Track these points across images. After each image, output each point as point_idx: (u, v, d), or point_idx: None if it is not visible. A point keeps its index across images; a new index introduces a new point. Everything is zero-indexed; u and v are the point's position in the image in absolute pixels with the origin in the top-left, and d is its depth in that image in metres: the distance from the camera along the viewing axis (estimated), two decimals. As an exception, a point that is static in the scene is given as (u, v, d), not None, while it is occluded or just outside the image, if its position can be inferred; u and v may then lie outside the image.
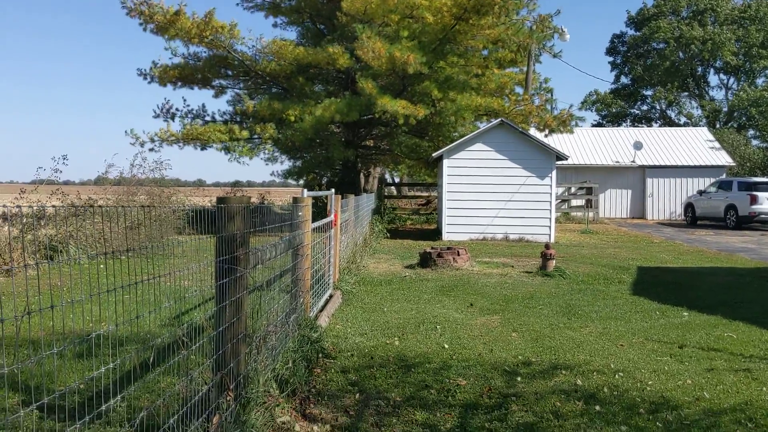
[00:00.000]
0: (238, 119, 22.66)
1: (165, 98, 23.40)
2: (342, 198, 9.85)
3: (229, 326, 3.69)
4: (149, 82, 22.46)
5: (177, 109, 23.85)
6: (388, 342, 6.35)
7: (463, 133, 20.79)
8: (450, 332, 6.82)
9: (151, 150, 19.67)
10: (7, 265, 9.67)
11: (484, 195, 17.58)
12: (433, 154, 19.07)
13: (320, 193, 10.82)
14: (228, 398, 3.64)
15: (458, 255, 11.85)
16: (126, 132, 22.17)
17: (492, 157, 17.64)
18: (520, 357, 5.89)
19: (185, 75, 21.69)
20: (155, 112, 23.89)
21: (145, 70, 22.57)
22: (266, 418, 3.99)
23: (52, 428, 3.61)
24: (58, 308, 1.98)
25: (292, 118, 18.93)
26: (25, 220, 10.74)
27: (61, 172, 13.38)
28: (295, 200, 6.30)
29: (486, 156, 17.68)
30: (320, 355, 5.66)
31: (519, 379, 5.22)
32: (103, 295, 2.52)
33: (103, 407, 2.33)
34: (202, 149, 21.48)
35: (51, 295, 3.14)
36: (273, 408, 4.16)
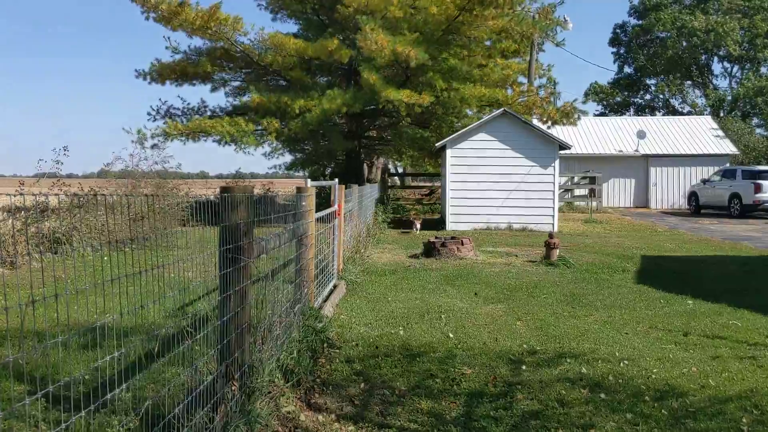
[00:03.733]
0: (240, 112, 22.58)
1: (161, 99, 23.06)
2: (345, 188, 9.83)
3: (233, 316, 3.68)
4: (149, 83, 22.34)
5: (176, 108, 23.69)
6: (392, 331, 6.35)
7: (466, 123, 20.74)
8: (455, 321, 6.82)
9: (153, 146, 19.57)
10: (12, 258, 9.69)
11: (488, 185, 17.55)
12: (437, 144, 19.03)
13: (324, 183, 10.81)
14: (233, 388, 3.64)
15: (462, 244, 11.84)
16: (125, 129, 21.87)
17: (495, 146, 17.60)
18: (524, 346, 5.88)
19: (185, 71, 21.61)
20: (150, 115, 23.65)
21: (143, 70, 22.44)
22: (271, 407, 3.99)
23: (58, 418, 3.61)
24: (63, 297, 1.98)
25: (297, 110, 18.89)
26: (24, 213, 10.75)
27: (62, 164, 13.34)
28: (299, 190, 6.29)
29: (489, 146, 17.64)
30: (325, 344, 5.66)
31: (524, 367, 5.22)
32: (108, 287, 2.51)
33: (108, 396, 2.32)
34: (204, 140, 21.40)
35: (55, 285, 3.13)
36: (278, 398, 4.17)
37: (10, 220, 10.46)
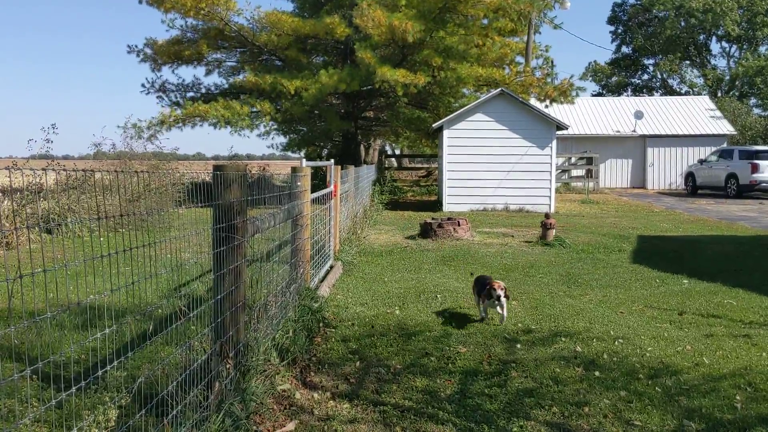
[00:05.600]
0: (234, 92, 22.46)
1: (156, 73, 22.98)
2: (342, 169, 9.80)
3: (227, 294, 3.67)
4: (141, 60, 22.21)
5: (170, 83, 23.61)
6: (388, 311, 6.36)
7: (463, 104, 20.65)
8: (451, 301, 6.83)
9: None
10: (7, 238, 9.67)
11: (485, 165, 17.51)
12: (434, 125, 18.96)
13: (320, 163, 10.75)
14: (228, 366, 3.64)
15: (459, 225, 11.83)
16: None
17: (492, 127, 17.54)
18: (520, 325, 5.90)
19: (180, 55, 21.46)
20: (144, 87, 23.56)
21: (136, 46, 22.33)
22: (266, 386, 3.99)
23: (50, 395, 3.62)
24: (53, 274, 1.96)
25: (293, 90, 18.80)
26: (16, 194, 10.69)
27: (52, 142, 13.23)
28: (294, 170, 6.26)
29: (486, 126, 17.57)
30: (321, 324, 5.66)
31: (519, 346, 5.23)
32: (103, 268, 2.50)
33: (99, 373, 2.32)
34: (200, 126, 21.35)
35: (44, 262, 3.11)
36: (273, 376, 4.17)
37: (5, 201, 10.42)
